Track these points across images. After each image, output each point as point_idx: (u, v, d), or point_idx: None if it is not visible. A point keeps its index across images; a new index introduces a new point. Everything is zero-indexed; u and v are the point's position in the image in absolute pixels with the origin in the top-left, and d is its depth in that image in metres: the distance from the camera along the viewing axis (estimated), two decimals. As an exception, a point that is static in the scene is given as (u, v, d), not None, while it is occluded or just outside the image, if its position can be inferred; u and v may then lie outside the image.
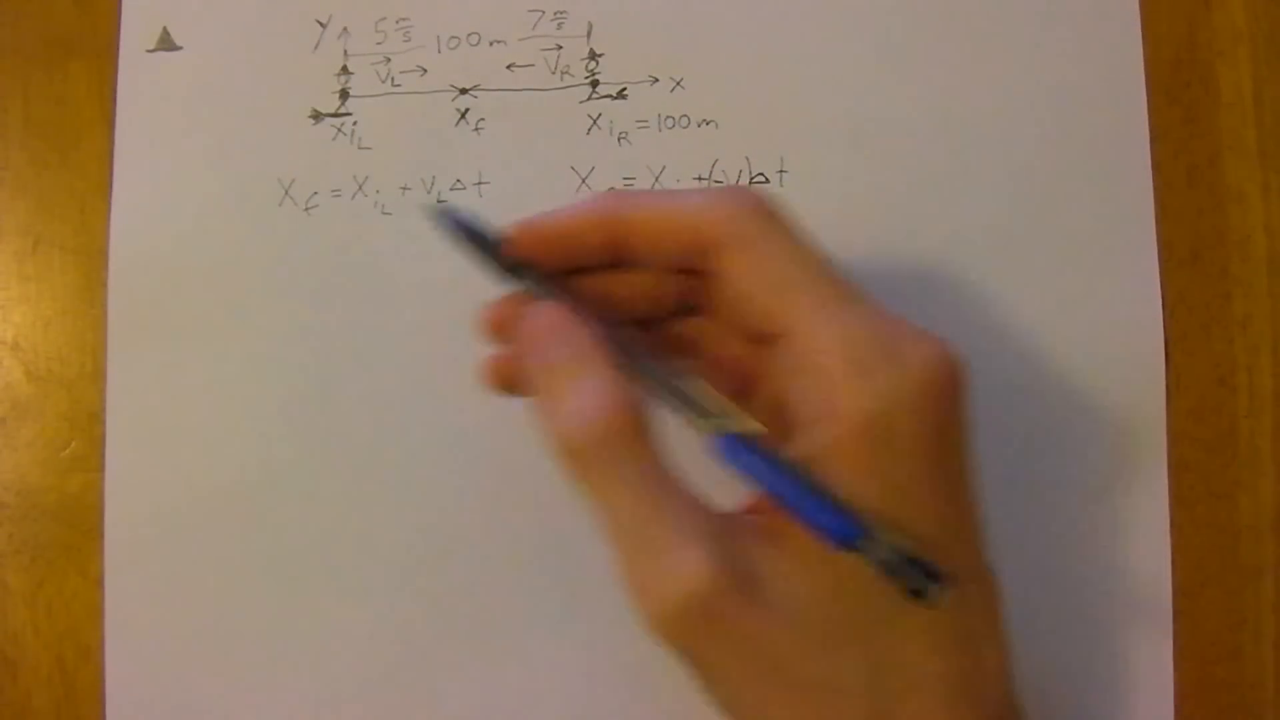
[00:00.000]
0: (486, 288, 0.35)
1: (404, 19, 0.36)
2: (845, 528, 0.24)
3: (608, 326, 0.27)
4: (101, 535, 0.35)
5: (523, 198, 0.35)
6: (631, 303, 0.29)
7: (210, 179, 0.36)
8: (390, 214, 0.35)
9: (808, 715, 0.26)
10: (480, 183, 0.35)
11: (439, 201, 0.34)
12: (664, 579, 0.25)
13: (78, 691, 0.34)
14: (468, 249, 0.28)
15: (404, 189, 0.35)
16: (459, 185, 0.35)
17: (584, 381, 0.26)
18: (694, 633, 0.25)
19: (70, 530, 0.35)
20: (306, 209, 0.35)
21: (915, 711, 0.26)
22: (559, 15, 0.36)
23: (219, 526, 0.35)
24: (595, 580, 0.34)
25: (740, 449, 0.26)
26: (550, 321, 0.27)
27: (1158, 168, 0.35)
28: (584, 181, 0.35)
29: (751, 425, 0.26)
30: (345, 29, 0.36)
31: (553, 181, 0.35)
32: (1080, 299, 0.35)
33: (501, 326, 0.29)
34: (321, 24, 0.36)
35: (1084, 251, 0.35)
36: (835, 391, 0.25)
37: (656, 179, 0.35)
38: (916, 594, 0.24)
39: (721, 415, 0.27)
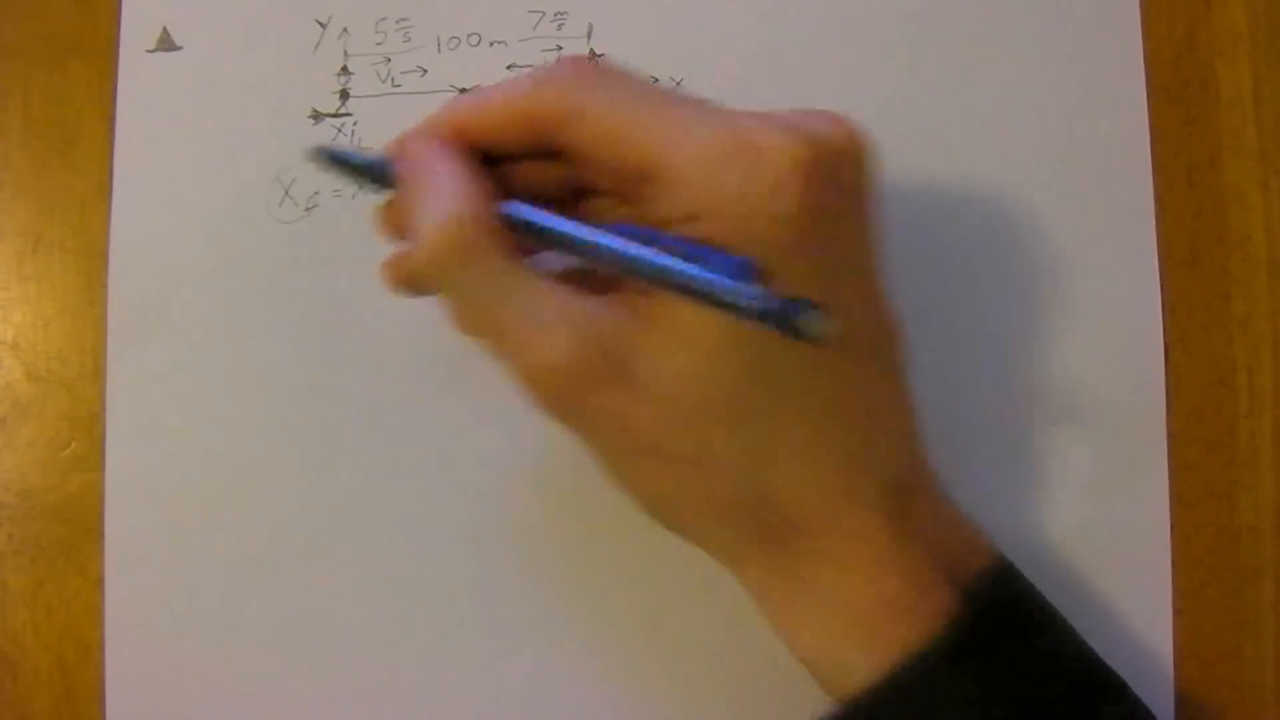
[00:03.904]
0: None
1: (404, 19, 0.36)
2: (730, 270, 0.24)
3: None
4: (101, 535, 0.35)
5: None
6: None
7: (210, 179, 0.36)
8: (390, 214, 0.35)
9: (683, 484, 0.27)
10: (480, 183, 0.35)
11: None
12: (533, 366, 0.26)
13: (78, 691, 0.34)
14: (353, 179, 0.30)
15: (404, 189, 0.35)
16: (459, 185, 0.35)
17: (440, 193, 0.27)
18: (567, 412, 0.27)
19: (70, 530, 0.35)
20: (306, 209, 0.35)
21: (796, 480, 0.27)
22: (559, 16, 0.36)
23: (219, 526, 0.35)
24: (595, 580, 0.34)
25: (627, 232, 0.26)
26: (421, 145, 0.28)
27: (1158, 168, 0.35)
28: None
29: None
30: (345, 29, 0.36)
31: (553, 181, 0.35)
32: (1080, 299, 0.35)
33: (399, 225, 0.29)
34: (321, 24, 0.36)
35: (1084, 251, 0.35)
36: (695, 200, 0.26)
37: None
38: (796, 331, 0.24)
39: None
